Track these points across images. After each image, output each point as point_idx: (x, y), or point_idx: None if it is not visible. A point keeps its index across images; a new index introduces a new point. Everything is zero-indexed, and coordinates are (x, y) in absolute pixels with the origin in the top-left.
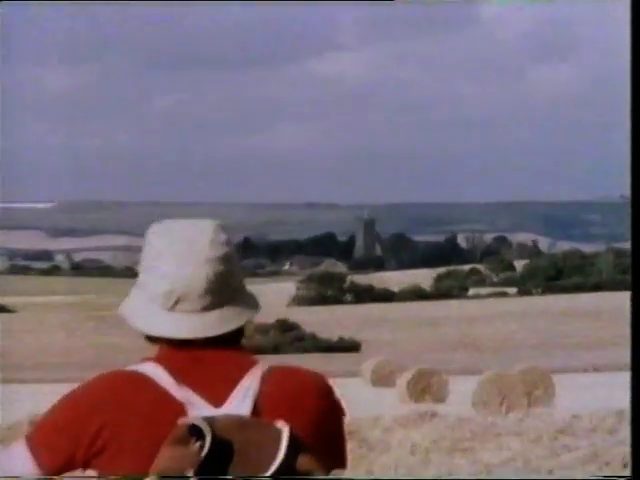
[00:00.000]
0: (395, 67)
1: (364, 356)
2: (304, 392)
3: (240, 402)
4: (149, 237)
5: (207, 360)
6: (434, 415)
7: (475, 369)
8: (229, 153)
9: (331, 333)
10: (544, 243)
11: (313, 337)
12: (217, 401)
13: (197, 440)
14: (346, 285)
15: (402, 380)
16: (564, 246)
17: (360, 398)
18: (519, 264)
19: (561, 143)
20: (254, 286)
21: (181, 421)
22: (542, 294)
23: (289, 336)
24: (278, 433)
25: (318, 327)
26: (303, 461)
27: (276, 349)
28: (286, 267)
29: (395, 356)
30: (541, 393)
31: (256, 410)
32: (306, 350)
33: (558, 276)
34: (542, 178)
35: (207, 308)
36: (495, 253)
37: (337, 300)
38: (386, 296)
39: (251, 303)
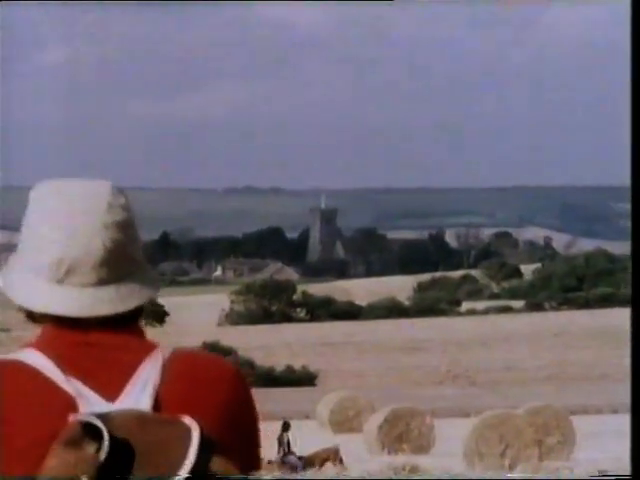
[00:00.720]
0: (364, 12)
1: (321, 391)
2: (212, 382)
3: (139, 394)
4: (34, 198)
5: (100, 345)
6: (414, 470)
7: (468, 409)
8: (143, 120)
9: (276, 361)
10: (560, 241)
11: (251, 366)
12: (112, 394)
13: (92, 441)
14: (297, 297)
15: (372, 424)
16: (587, 245)
17: (315, 447)
18: (527, 269)
19: (583, 112)
20: (174, 298)
21: (73, 419)
22: (558, 309)
23: None
24: (186, 431)
25: (259, 352)
26: (217, 462)
27: None
28: (217, 273)
29: (362, 392)
30: (556, 441)
31: (157, 404)
32: None
33: (579, 285)
34: (558, 156)
35: (102, 282)
36: (495, 255)
37: (285, 317)
38: (350, 312)
39: (152, 280)
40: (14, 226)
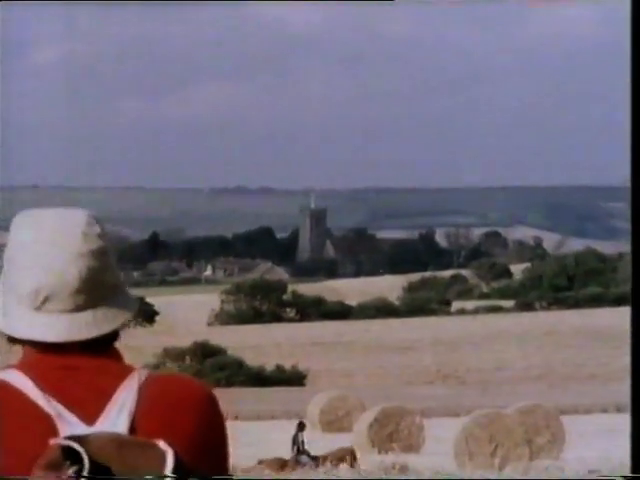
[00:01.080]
0: (356, 11)
1: (311, 391)
2: (186, 405)
3: (115, 418)
4: (14, 227)
5: (78, 368)
6: (404, 469)
7: (459, 408)
8: (134, 120)
9: (266, 360)
10: (550, 241)
11: (241, 365)
12: (90, 416)
13: (72, 464)
14: (287, 297)
15: (362, 423)
16: (576, 245)
17: (306, 447)
18: (517, 269)
19: (573, 113)
20: (164, 298)
21: (53, 442)
22: (548, 309)
23: (210, 364)
24: (161, 455)
25: (249, 352)
26: None
27: None
28: (207, 273)
29: (352, 391)
30: (547, 440)
31: (133, 427)
32: (232, 382)
33: (569, 285)
34: (547, 156)
35: (78, 308)
36: (485, 254)
37: (275, 317)
38: (340, 312)
39: (128, 304)
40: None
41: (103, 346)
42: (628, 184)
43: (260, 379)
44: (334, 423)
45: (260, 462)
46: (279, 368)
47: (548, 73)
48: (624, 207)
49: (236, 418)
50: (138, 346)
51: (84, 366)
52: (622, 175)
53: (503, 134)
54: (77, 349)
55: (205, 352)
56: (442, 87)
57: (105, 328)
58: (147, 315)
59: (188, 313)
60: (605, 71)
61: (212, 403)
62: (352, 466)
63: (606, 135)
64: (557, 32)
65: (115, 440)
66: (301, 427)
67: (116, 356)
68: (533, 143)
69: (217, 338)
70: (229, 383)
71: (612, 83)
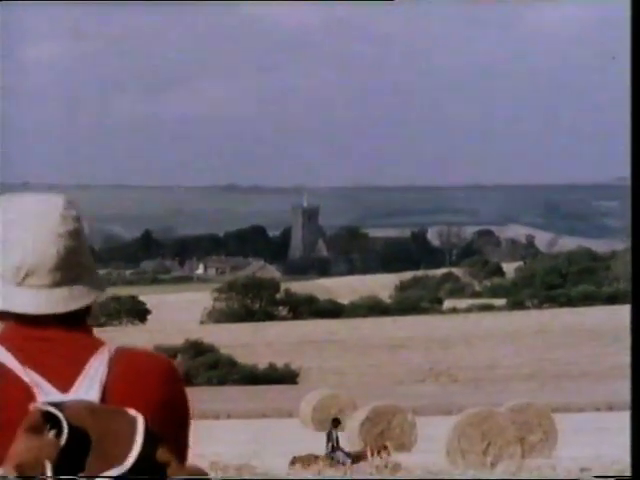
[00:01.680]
0: (351, 11)
1: (303, 389)
2: (152, 377)
3: (88, 387)
4: None
5: (53, 340)
6: (396, 468)
7: (451, 406)
8: (126, 117)
9: (259, 358)
10: (542, 239)
11: (234, 364)
12: (64, 385)
13: (52, 428)
14: (279, 295)
15: (353, 421)
16: (569, 244)
17: (297, 445)
18: (509, 268)
19: (566, 108)
20: (156, 296)
21: (34, 407)
22: (540, 307)
23: (202, 362)
24: (132, 422)
25: (241, 351)
26: (160, 452)
27: (186, 378)
28: (199, 271)
29: (344, 389)
30: (539, 439)
31: (104, 396)
32: (223, 381)
33: (561, 284)
34: (540, 154)
35: (56, 284)
36: (478, 253)
37: (267, 315)
38: (333, 310)
39: (99, 283)
40: None
41: (76, 320)
42: (620, 183)
43: (252, 377)
44: (326, 421)
45: (294, 459)
46: (271, 366)
47: (541, 72)
48: (616, 205)
49: (228, 416)
50: (130, 344)
51: (59, 338)
52: (614, 174)
53: (495, 133)
54: (53, 322)
55: (197, 350)
56: (434, 86)
57: (80, 303)
58: (139, 313)
59: (180, 311)
60: (598, 71)
61: (175, 375)
62: (387, 462)
63: (598, 134)
64: (551, 32)
65: (88, 407)
66: (335, 423)
67: (88, 330)
68: (525, 142)
69: (209, 336)
70: (222, 381)
71: (605, 83)
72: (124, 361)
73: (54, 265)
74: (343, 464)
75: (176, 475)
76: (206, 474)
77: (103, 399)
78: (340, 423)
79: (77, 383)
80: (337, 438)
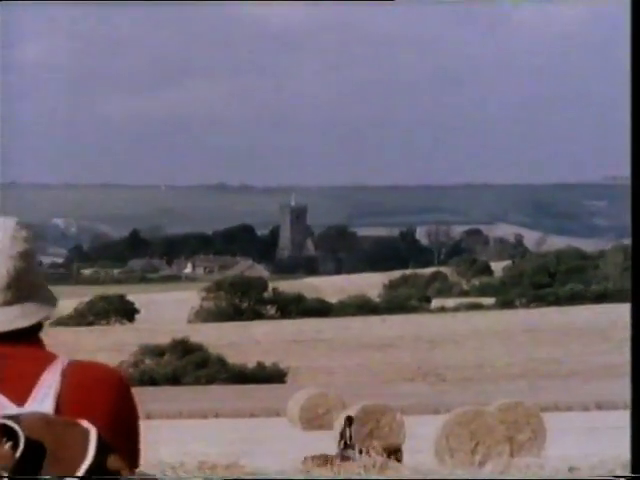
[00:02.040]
0: (341, 10)
1: (291, 389)
2: (103, 388)
3: (42, 399)
4: None
5: (7, 355)
6: (384, 467)
7: (439, 406)
8: (114, 117)
9: (247, 358)
10: (531, 238)
11: (222, 363)
12: (19, 398)
13: (9, 440)
14: (267, 294)
15: (342, 421)
16: (558, 243)
17: (285, 444)
18: (498, 267)
19: (555, 111)
20: (144, 295)
21: None
22: (528, 306)
23: (190, 361)
24: (85, 433)
25: (229, 350)
26: (111, 461)
27: (174, 378)
28: (187, 270)
29: (333, 389)
30: (527, 438)
31: (58, 407)
32: (212, 380)
33: (550, 283)
34: (529, 154)
35: (7, 303)
36: (466, 252)
37: (255, 314)
38: (321, 309)
39: (50, 299)
40: None
41: (29, 336)
42: (608, 182)
43: (241, 376)
44: (314, 421)
45: (306, 459)
46: (259, 365)
47: (531, 73)
48: (605, 205)
49: (216, 416)
50: (118, 343)
51: (13, 354)
52: (603, 173)
53: (484, 132)
54: (6, 339)
55: (184, 349)
56: (424, 86)
57: (32, 319)
58: (127, 312)
59: (168, 311)
60: (587, 70)
61: (125, 386)
62: (398, 462)
63: (587, 134)
64: (543, 31)
65: (43, 419)
66: (349, 421)
67: (40, 344)
68: (514, 141)
69: (197, 336)
70: (210, 381)
71: (596, 82)
72: (77, 373)
73: (5, 285)
74: (354, 462)
75: None
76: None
77: (57, 410)
78: (353, 421)
79: (32, 395)
80: (350, 436)
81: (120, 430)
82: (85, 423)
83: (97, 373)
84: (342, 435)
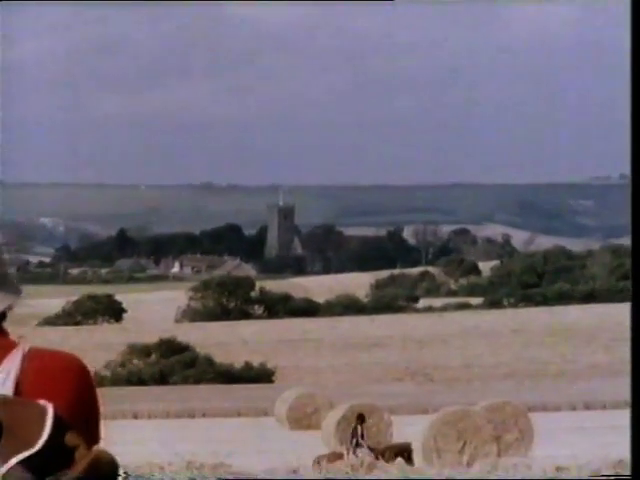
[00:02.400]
0: (333, 9)
1: (279, 388)
2: (62, 372)
3: (2, 382)
4: None
5: None
6: (372, 466)
7: (427, 405)
8: (102, 116)
9: (234, 357)
10: (519, 238)
11: (210, 362)
12: None
13: None
14: (255, 294)
15: (330, 421)
16: (545, 242)
17: (273, 444)
18: (486, 266)
19: (543, 107)
20: (131, 295)
21: None
22: (516, 306)
23: (177, 361)
24: (43, 410)
25: (217, 349)
26: (68, 437)
27: (161, 377)
28: (175, 270)
29: (320, 388)
30: (515, 438)
31: (18, 390)
32: (199, 379)
33: (537, 282)
34: (516, 154)
35: None
36: (454, 252)
37: (243, 314)
38: (308, 309)
39: (15, 289)
40: None
41: None
42: (596, 182)
43: (228, 376)
44: (302, 421)
45: (318, 458)
46: (247, 365)
47: (520, 73)
48: (592, 205)
49: (204, 415)
50: (106, 343)
51: None
52: (590, 173)
53: (472, 132)
54: None
55: (172, 349)
56: (411, 85)
57: None
58: (115, 312)
59: (156, 310)
60: (576, 70)
61: (84, 371)
62: (408, 462)
63: (575, 134)
64: (534, 30)
65: (2, 400)
66: (361, 419)
67: (4, 333)
68: (502, 141)
69: (185, 335)
70: (197, 380)
71: (583, 83)
72: (37, 358)
73: None
74: (364, 459)
75: (84, 457)
76: (112, 456)
77: (17, 392)
78: (365, 419)
79: None
80: (362, 434)
81: (79, 412)
82: (42, 402)
83: (57, 359)
84: (353, 433)
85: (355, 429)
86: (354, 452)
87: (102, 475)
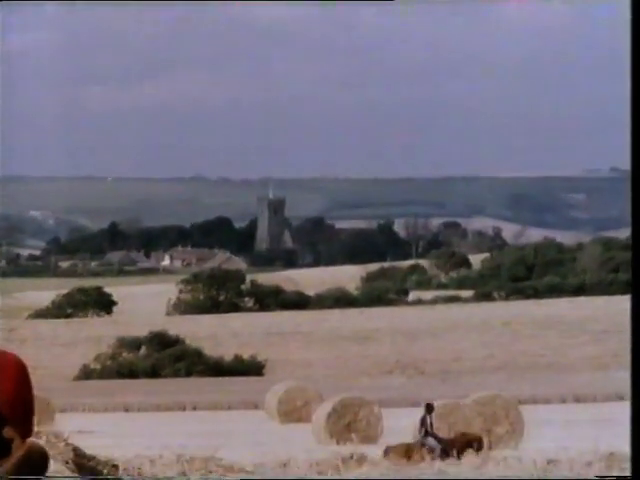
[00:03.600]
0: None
1: (269, 381)
2: (1, 370)
3: None
4: None
5: None
6: (362, 460)
7: (417, 398)
8: (93, 109)
9: (224, 350)
10: (509, 231)
11: (199, 355)
12: None
13: None
14: (245, 287)
15: (320, 413)
16: (536, 235)
17: (263, 437)
18: (476, 259)
19: (534, 100)
20: (122, 288)
21: None
22: (506, 299)
23: (168, 354)
24: None
25: (207, 342)
26: (6, 431)
27: (152, 370)
28: (165, 263)
29: (310, 381)
30: (505, 430)
31: None
32: (190, 372)
33: (528, 275)
34: (507, 146)
35: None
36: (444, 245)
37: (233, 306)
38: (299, 302)
39: None
40: None
41: None
42: (587, 175)
43: (218, 369)
44: (292, 413)
45: (387, 449)
46: (237, 358)
47: (508, 65)
48: (583, 198)
49: (194, 408)
50: (96, 336)
51: None
52: (582, 166)
53: (463, 125)
54: None
55: (162, 342)
56: (401, 79)
57: None
58: (105, 305)
59: (146, 303)
60: (568, 64)
61: (23, 370)
62: (478, 454)
63: (567, 126)
64: (525, 26)
65: None
66: (429, 409)
67: None
68: (493, 134)
69: (175, 328)
70: (188, 373)
71: (577, 77)
72: None
73: None
74: (433, 451)
75: (19, 449)
76: (43, 448)
77: None
78: (434, 409)
79: None
80: (431, 424)
81: (17, 407)
82: None
83: None
84: (422, 423)
85: (424, 419)
86: (422, 442)
87: (34, 465)
